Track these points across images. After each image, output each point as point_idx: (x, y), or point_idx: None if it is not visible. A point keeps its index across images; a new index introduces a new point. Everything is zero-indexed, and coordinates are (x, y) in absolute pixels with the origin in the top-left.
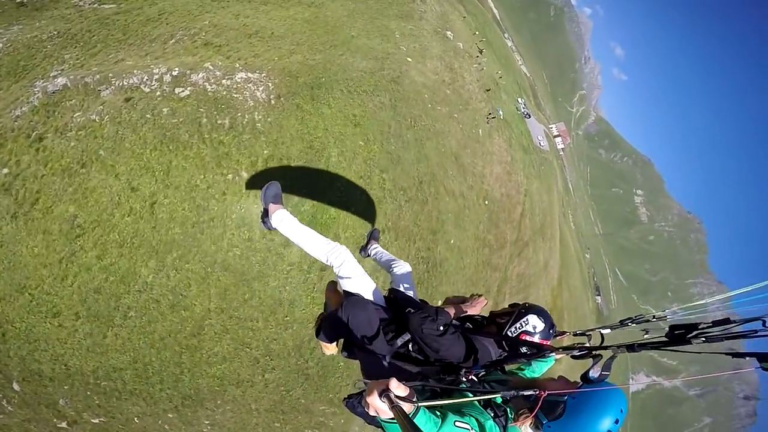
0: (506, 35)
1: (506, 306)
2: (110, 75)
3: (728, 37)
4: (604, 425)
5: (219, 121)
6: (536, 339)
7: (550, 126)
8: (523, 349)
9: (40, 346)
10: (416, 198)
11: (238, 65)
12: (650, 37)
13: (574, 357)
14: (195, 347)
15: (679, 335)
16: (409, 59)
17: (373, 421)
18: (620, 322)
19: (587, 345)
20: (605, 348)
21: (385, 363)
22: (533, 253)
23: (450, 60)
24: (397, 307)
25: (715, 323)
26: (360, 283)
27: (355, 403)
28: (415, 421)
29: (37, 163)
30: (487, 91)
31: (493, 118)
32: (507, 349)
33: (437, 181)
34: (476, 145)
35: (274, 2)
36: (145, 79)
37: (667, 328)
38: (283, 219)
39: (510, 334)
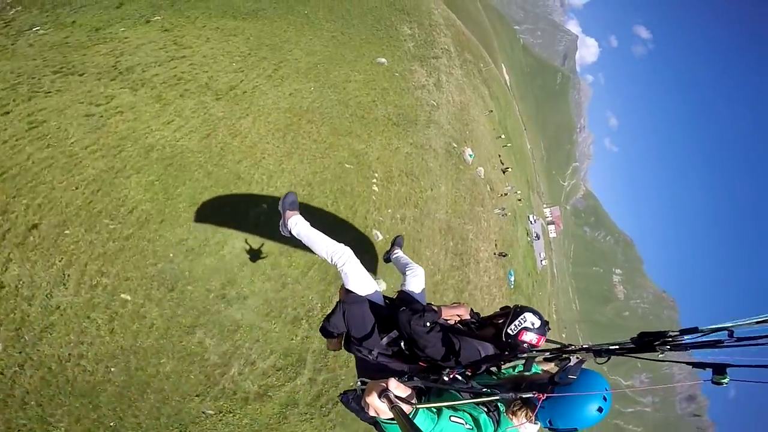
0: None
1: (497, 310)
2: None
3: (722, 118)
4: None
5: None
6: (535, 335)
7: (544, 208)
8: (525, 345)
9: None
10: None
11: None
12: (645, 108)
13: (545, 359)
14: None
15: (647, 342)
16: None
17: (369, 419)
18: (630, 339)
19: (556, 348)
20: (573, 352)
21: (372, 357)
22: None
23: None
24: (396, 306)
25: (683, 332)
26: (360, 281)
27: (350, 399)
28: (414, 421)
29: None
30: (504, 256)
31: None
32: (508, 346)
33: None
34: None
35: None
36: None
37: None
38: (297, 223)
39: (511, 332)
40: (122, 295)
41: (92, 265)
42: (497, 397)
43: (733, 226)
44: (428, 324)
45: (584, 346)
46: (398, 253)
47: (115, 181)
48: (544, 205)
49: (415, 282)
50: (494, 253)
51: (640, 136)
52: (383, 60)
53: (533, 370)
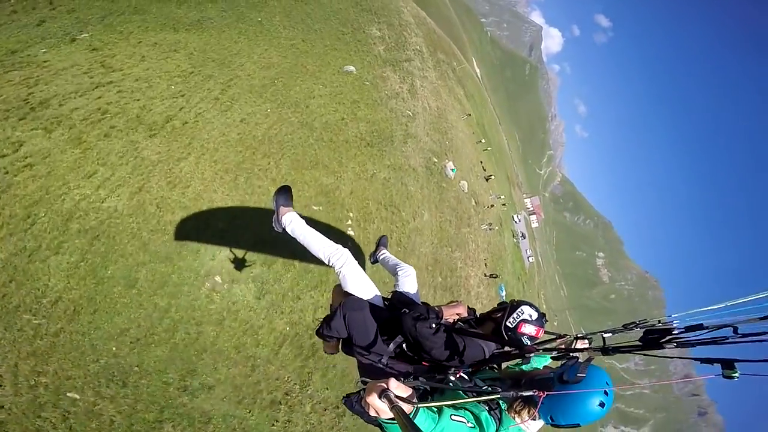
0: (489, 97)
1: (495, 307)
2: None
3: (688, 98)
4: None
5: None
6: (534, 326)
7: (524, 198)
8: (525, 339)
9: None
10: None
11: None
12: (611, 94)
13: (553, 358)
14: None
15: (653, 340)
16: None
17: (372, 420)
18: (623, 326)
19: (563, 347)
20: (581, 350)
21: (381, 363)
22: None
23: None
24: (395, 308)
25: (688, 329)
26: (359, 284)
27: (354, 401)
28: (415, 421)
29: None
30: (494, 277)
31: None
32: (509, 339)
33: None
34: None
35: None
36: None
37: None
38: (292, 221)
39: (510, 324)
40: (69, 394)
41: (24, 365)
42: (498, 396)
43: (707, 200)
44: (433, 326)
45: (591, 346)
46: (385, 253)
47: (29, 267)
48: (524, 196)
49: (408, 282)
50: (484, 274)
51: (609, 120)
52: (351, 68)
53: (533, 364)
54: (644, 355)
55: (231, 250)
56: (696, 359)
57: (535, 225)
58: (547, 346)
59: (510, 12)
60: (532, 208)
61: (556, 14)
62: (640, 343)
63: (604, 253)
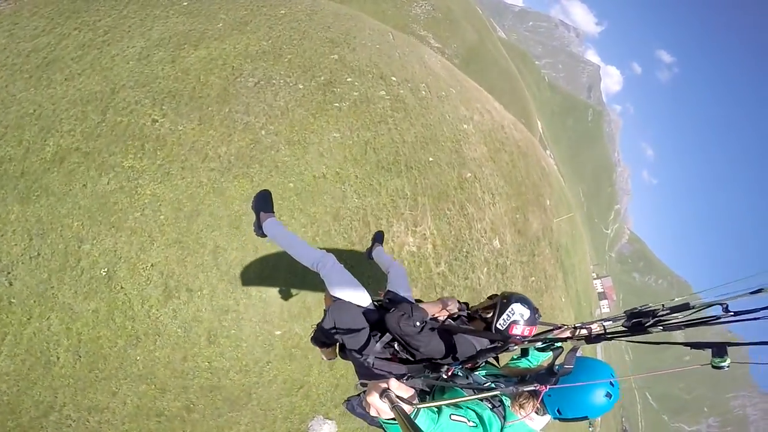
0: (548, 152)
1: (484, 299)
2: None
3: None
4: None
5: None
6: (525, 326)
7: (594, 280)
8: (517, 338)
9: None
10: None
11: None
12: (680, 134)
13: (538, 349)
14: None
15: (637, 324)
16: None
17: (374, 422)
18: (625, 312)
19: (549, 337)
20: (562, 340)
21: (369, 363)
22: None
23: None
24: (386, 309)
25: (674, 309)
26: (346, 287)
27: (355, 404)
28: (416, 421)
29: None
30: None
31: None
32: (501, 342)
33: None
34: None
35: None
36: None
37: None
38: (273, 226)
39: (500, 327)
40: None
41: None
42: (497, 392)
43: None
44: (418, 323)
45: (574, 335)
46: (378, 249)
47: None
48: (594, 275)
49: (399, 280)
50: None
51: (680, 163)
52: None
53: (536, 359)
54: (630, 341)
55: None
56: (686, 345)
57: (606, 310)
58: (536, 338)
59: (564, 53)
60: (603, 290)
61: (613, 52)
62: (624, 329)
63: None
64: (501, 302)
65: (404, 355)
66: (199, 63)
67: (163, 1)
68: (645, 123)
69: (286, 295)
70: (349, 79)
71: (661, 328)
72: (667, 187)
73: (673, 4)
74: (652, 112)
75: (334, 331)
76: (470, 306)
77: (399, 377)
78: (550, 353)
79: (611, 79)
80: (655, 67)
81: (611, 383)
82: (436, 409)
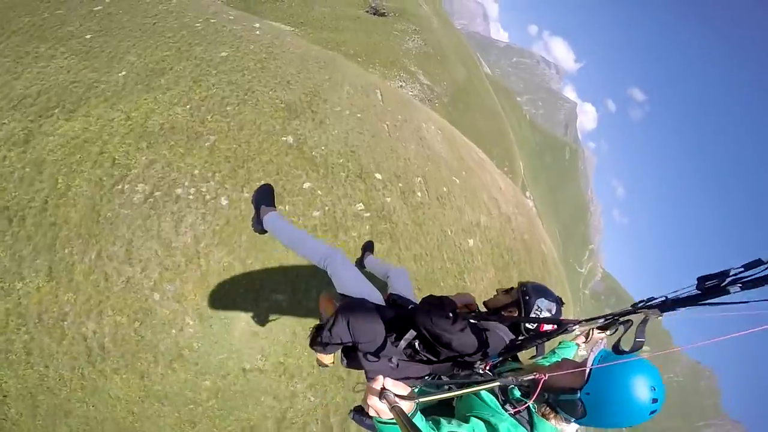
0: (528, 195)
1: (497, 294)
2: None
3: (736, 172)
4: (639, 400)
5: None
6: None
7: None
8: (546, 328)
9: None
10: None
11: None
12: (650, 173)
13: (599, 328)
14: None
15: (712, 285)
16: None
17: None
18: (632, 305)
19: (611, 312)
20: (633, 312)
21: (392, 365)
22: None
23: None
24: (399, 306)
25: (746, 267)
26: (358, 285)
27: (363, 416)
28: (414, 421)
29: None
30: None
31: None
32: (529, 337)
33: None
34: None
35: None
36: None
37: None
38: (275, 220)
39: (531, 327)
40: None
41: None
42: (497, 383)
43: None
44: (450, 315)
45: (645, 304)
46: (370, 257)
47: None
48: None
49: (402, 282)
50: None
51: (650, 203)
52: None
53: (561, 354)
54: (707, 304)
55: None
56: None
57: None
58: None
59: (544, 89)
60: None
61: (589, 89)
62: (699, 292)
63: (650, 347)
64: (523, 299)
65: (425, 355)
66: (63, 149)
67: (59, 33)
68: (617, 161)
69: None
70: (306, 185)
71: (740, 287)
72: (637, 226)
73: (647, 44)
74: (623, 150)
75: (347, 332)
76: (486, 304)
77: (422, 378)
78: (575, 348)
79: (586, 116)
80: (628, 105)
81: (653, 387)
82: (433, 425)
